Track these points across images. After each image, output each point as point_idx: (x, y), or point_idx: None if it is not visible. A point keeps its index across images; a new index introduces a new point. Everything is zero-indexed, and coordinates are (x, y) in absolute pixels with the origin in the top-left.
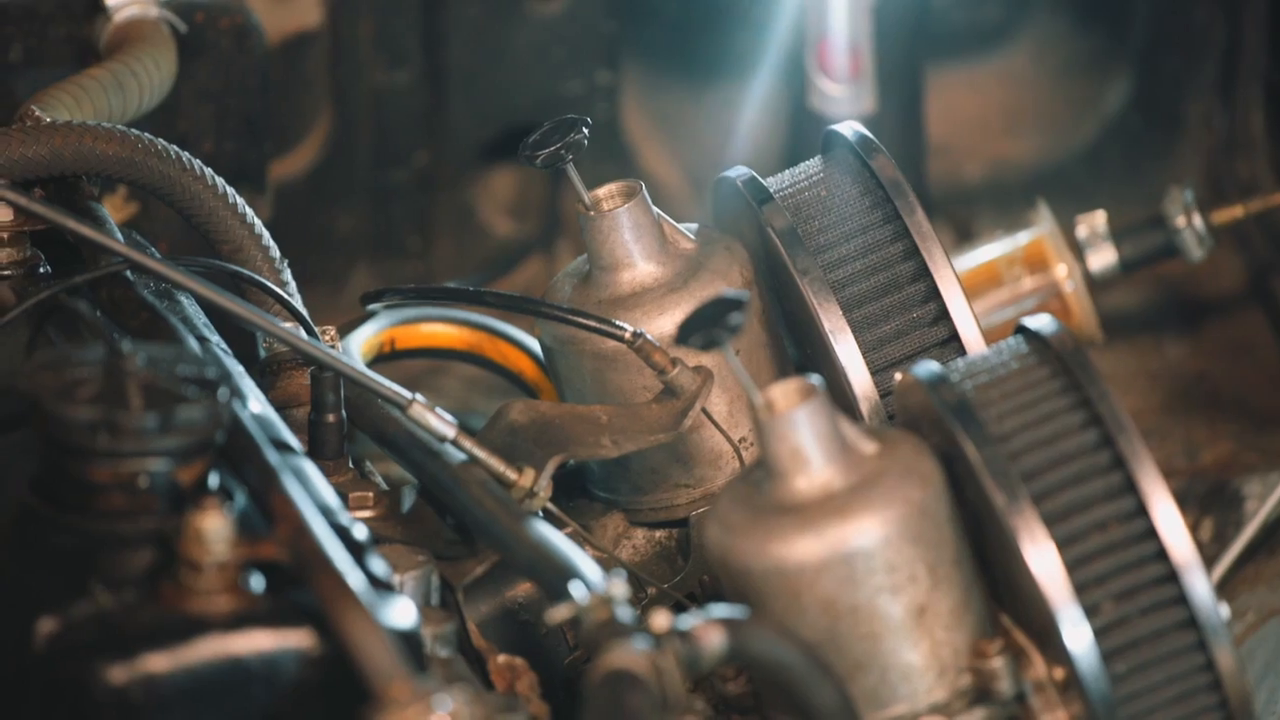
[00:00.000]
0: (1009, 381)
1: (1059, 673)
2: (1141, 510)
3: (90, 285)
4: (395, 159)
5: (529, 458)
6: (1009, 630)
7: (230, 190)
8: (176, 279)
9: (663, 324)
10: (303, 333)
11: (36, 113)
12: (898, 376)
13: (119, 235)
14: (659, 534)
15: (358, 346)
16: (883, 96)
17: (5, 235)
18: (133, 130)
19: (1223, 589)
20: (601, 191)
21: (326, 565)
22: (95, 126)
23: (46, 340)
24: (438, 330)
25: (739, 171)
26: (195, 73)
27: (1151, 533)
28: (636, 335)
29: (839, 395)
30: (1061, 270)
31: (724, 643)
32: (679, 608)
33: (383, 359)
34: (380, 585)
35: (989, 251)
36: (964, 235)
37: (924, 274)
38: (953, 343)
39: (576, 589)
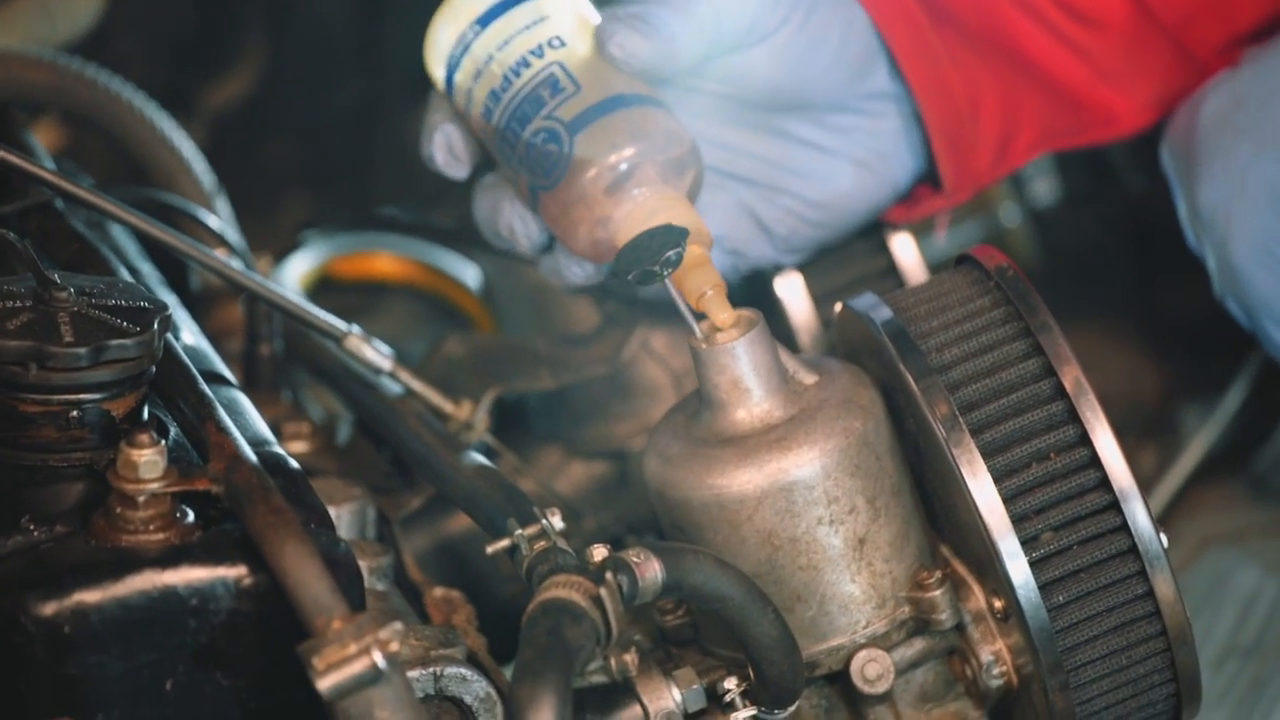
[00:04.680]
0: (949, 312)
1: (998, 603)
2: (1082, 440)
3: (19, 215)
4: (331, 86)
5: (466, 390)
6: (949, 561)
7: (162, 118)
8: (107, 209)
9: None
10: (236, 262)
11: None
12: (837, 307)
13: (50, 164)
14: (597, 466)
15: (293, 276)
16: None
17: None
18: (62, 57)
19: (1163, 518)
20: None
21: (261, 498)
22: (24, 54)
23: None
24: (375, 262)
25: None
26: None
27: (1092, 462)
28: None
29: (779, 326)
30: (1004, 201)
31: (662, 575)
32: (617, 540)
33: (318, 290)
34: (316, 518)
35: None
36: None
37: None
38: (893, 273)
39: (513, 522)
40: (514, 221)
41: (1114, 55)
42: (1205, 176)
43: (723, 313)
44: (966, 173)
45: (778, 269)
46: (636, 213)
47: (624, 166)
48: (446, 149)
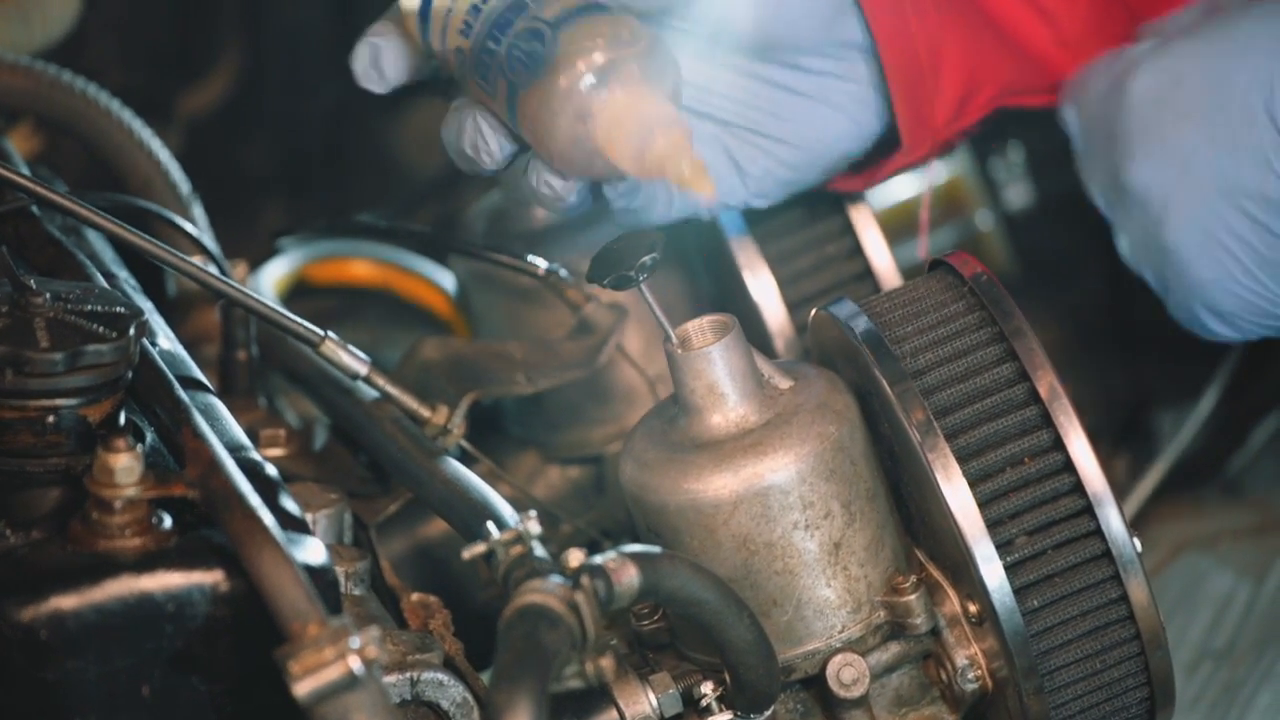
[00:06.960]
0: (924, 316)
1: (973, 607)
2: (1056, 445)
3: None
4: (308, 92)
5: (442, 395)
6: (924, 565)
7: (138, 124)
8: (83, 214)
9: None
10: (212, 268)
11: None
12: (812, 312)
13: (25, 169)
14: (574, 471)
15: (269, 282)
16: None
17: None
18: (38, 62)
19: (1137, 523)
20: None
21: (238, 503)
22: None
23: None
24: (350, 267)
25: None
26: (102, 3)
27: (1066, 467)
28: (550, 271)
29: (754, 330)
30: (978, 206)
31: (638, 580)
32: (594, 545)
33: (294, 296)
34: (292, 523)
35: (906, 189)
36: None
37: (839, 209)
38: (868, 278)
39: (490, 526)
40: (477, 138)
41: (1076, 21)
42: (1139, 155)
43: (706, 186)
44: (924, 127)
45: (748, 210)
46: (616, 104)
47: (606, 60)
48: (369, 60)
